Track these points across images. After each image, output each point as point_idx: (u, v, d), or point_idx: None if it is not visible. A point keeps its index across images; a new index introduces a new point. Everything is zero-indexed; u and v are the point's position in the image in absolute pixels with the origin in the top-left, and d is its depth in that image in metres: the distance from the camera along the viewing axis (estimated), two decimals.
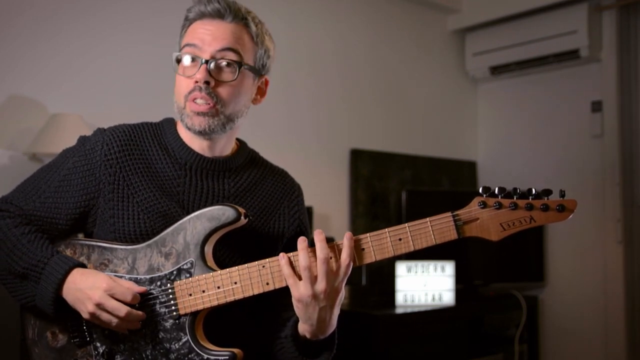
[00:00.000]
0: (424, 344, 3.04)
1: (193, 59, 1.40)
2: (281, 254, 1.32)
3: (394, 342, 2.84)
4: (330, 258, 1.29)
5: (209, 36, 1.40)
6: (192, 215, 1.37)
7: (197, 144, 1.47)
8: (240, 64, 1.41)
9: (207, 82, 1.39)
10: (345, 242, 1.29)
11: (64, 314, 1.38)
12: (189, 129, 1.43)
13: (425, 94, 3.98)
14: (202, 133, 1.42)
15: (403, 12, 3.88)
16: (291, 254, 1.32)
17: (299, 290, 1.29)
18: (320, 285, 1.27)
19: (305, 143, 3.40)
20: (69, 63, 2.66)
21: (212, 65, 1.39)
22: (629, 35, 3.48)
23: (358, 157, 3.57)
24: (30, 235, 1.39)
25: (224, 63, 1.40)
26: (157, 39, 2.81)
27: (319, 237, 1.29)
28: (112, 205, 1.41)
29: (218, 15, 1.41)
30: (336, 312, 1.34)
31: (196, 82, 1.39)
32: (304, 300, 1.28)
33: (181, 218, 1.39)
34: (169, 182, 1.45)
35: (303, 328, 1.36)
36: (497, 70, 3.97)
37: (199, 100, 1.39)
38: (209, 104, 1.39)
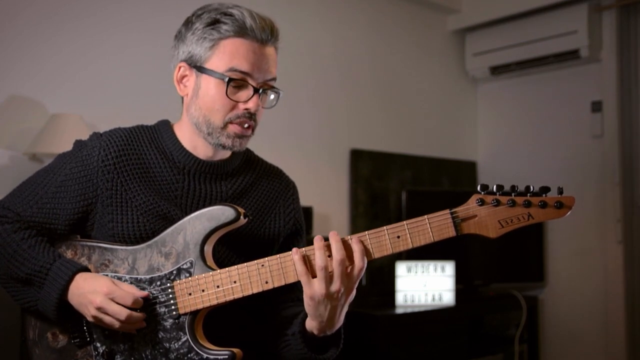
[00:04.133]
0: (424, 344, 3.03)
1: (242, 86, 1.41)
2: (294, 249, 1.32)
3: (394, 342, 2.84)
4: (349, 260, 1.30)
5: (260, 64, 1.41)
6: (192, 215, 1.38)
7: (202, 151, 1.47)
8: (279, 91, 1.47)
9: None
10: (355, 247, 1.29)
11: (65, 318, 1.38)
12: (222, 146, 1.43)
13: (425, 94, 3.98)
14: (235, 150, 1.46)
15: (403, 12, 3.89)
16: (304, 249, 1.32)
17: (313, 289, 1.29)
18: (336, 285, 1.28)
19: (305, 143, 3.40)
20: (69, 63, 2.66)
21: (260, 93, 1.42)
22: (629, 35, 3.48)
23: (358, 157, 3.57)
24: (31, 240, 1.39)
25: (271, 95, 1.47)
26: (157, 39, 2.81)
27: (335, 239, 1.29)
28: (110, 210, 1.42)
29: (264, 39, 1.41)
30: (346, 309, 1.35)
31: (246, 109, 1.41)
32: (317, 298, 1.29)
33: (181, 219, 1.39)
34: (167, 185, 1.45)
35: (311, 325, 1.36)
36: (497, 70, 3.97)
37: (246, 125, 1.42)
38: (252, 126, 1.44)
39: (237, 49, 1.39)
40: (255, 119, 1.44)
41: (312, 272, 1.30)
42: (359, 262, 1.29)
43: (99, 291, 1.31)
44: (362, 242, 1.30)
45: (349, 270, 1.29)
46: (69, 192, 1.43)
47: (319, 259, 1.28)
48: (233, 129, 1.41)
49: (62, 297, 1.35)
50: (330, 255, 1.29)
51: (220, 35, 1.39)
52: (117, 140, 1.45)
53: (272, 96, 1.48)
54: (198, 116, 1.43)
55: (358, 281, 1.31)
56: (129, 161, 1.44)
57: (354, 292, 1.33)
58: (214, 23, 1.40)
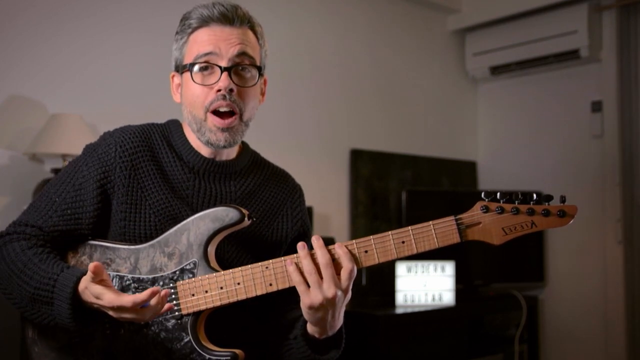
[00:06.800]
0: (424, 344, 3.04)
1: (209, 68, 1.39)
2: (288, 261, 1.32)
3: (394, 342, 2.84)
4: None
5: (224, 42, 1.39)
6: (196, 215, 1.37)
7: (205, 150, 1.46)
8: (259, 67, 1.43)
9: (230, 90, 1.38)
10: (338, 251, 1.30)
11: (85, 324, 1.32)
12: (210, 144, 1.41)
13: (425, 94, 3.98)
14: (225, 147, 1.42)
15: (403, 12, 3.89)
16: (295, 258, 1.32)
17: (310, 298, 1.29)
18: (330, 290, 1.28)
19: (305, 143, 3.40)
20: (69, 63, 2.66)
21: (231, 71, 1.39)
22: (629, 35, 3.48)
23: (358, 157, 3.57)
24: (43, 255, 1.35)
25: (243, 69, 1.41)
26: (157, 39, 2.81)
27: (318, 244, 1.30)
28: (124, 207, 1.40)
29: (227, 20, 1.40)
30: (344, 308, 1.36)
31: (218, 90, 1.38)
32: (315, 306, 1.29)
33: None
34: (180, 184, 1.44)
35: (312, 329, 1.37)
36: (497, 70, 3.97)
37: (223, 109, 1.39)
38: (234, 113, 1.39)
39: (201, 37, 1.40)
40: (236, 100, 1.39)
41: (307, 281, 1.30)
42: (347, 264, 1.29)
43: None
44: (345, 246, 1.30)
45: (340, 273, 1.29)
46: (88, 193, 1.40)
47: (306, 266, 1.29)
48: (212, 120, 1.39)
49: (75, 304, 1.28)
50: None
51: (188, 32, 1.42)
52: (132, 136, 1.44)
53: (247, 73, 1.42)
54: (187, 115, 1.44)
55: (351, 282, 1.31)
56: (145, 157, 1.43)
57: (350, 293, 1.33)
58: (182, 24, 1.44)
